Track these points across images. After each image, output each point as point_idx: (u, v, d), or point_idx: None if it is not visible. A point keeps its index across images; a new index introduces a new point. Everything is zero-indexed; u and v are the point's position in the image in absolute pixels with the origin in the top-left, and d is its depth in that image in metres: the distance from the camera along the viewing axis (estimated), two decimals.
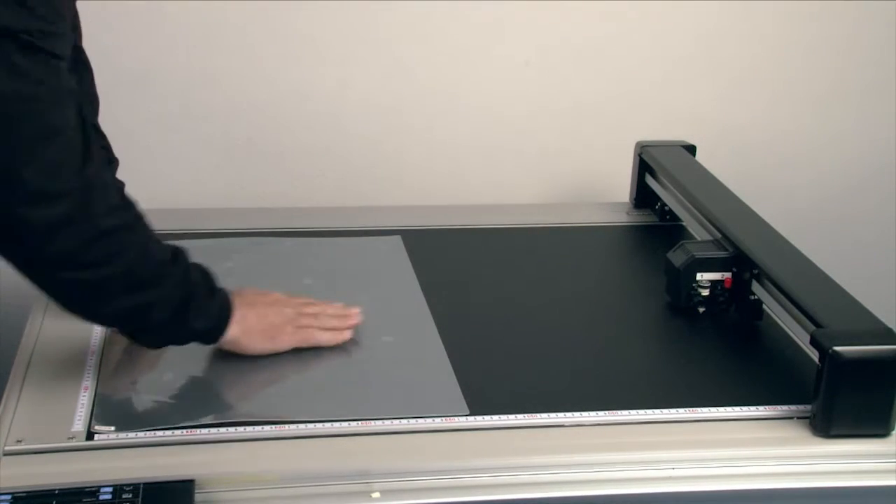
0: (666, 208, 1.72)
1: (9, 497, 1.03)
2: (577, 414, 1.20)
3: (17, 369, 1.25)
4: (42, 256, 1.08)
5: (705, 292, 1.42)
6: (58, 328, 1.32)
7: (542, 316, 1.44)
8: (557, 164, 1.99)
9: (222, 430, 1.14)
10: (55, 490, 1.04)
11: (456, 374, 1.26)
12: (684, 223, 1.68)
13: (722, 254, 1.42)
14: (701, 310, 1.42)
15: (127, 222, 1.13)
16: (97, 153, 1.10)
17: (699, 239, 1.55)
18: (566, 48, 1.92)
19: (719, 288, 1.42)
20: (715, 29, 1.96)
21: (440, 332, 1.36)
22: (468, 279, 1.54)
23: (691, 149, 1.76)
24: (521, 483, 1.12)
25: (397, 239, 1.62)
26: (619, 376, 1.30)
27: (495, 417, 1.18)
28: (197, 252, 1.53)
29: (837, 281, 1.32)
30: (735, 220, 1.49)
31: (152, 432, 1.13)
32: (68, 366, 1.25)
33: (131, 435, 1.13)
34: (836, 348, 1.14)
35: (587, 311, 1.47)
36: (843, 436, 1.17)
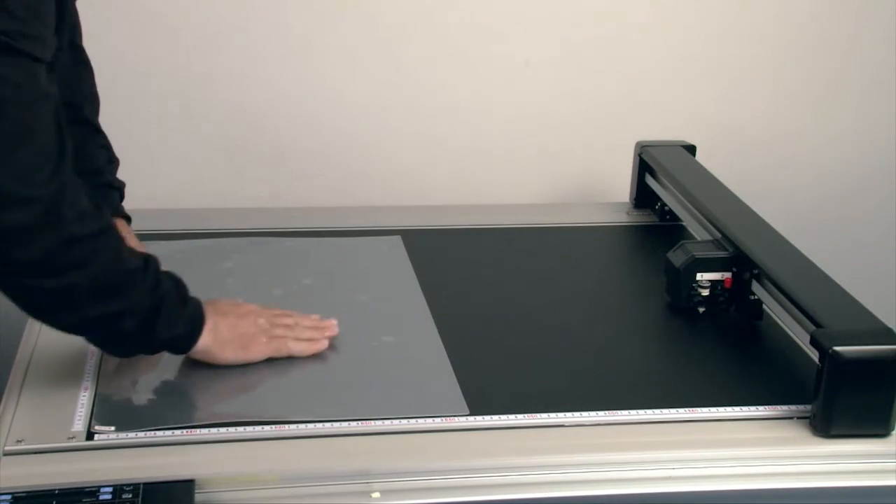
0: (666, 208, 1.72)
1: (9, 497, 1.03)
2: (577, 414, 1.20)
3: (18, 369, 1.25)
4: (8, 262, 1.05)
5: (705, 292, 1.42)
6: None
7: (542, 316, 1.44)
8: (557, 164, 1.99)
9: (222, 430, 1.14)
10: (55, 490, 1.04)
11: (456, 374, 1.26)
12: (684, 223, 1.68)
13: (722, 254, 1.42)
14: (701, 310, 1.42)
15: (96, 230, 1.10)
16: (70, 160, 1.08)
17: (699, 239, 1.55)
18: (566, 48, 1.92)
19: (719, 288, 1.42)
20: (715, 29, 1.96)
21: (440, 332, 1.36)
22: (468, 279, 1.54)
23: (691, 149, 1.76)
24: (522, 483, 1.12)
25: (397, 239, 1.62)
26: (619, 376, 1.30)
27: (495, 417, 1.18)
28: (197, 252, 1.55)
29: (837, 281, 1.32)
30: (735, 220, 1.49)
31: (152, 432, 1.13)
32: (68, 366, 1.25)
33: (131, 435, 1.13)
34: (836, 348, 1.14)
35: (587, 311, 1.47)
36: (843, 436, 1.17)
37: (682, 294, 1.42)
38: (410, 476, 1.11)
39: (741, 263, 1.40)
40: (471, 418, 1.18)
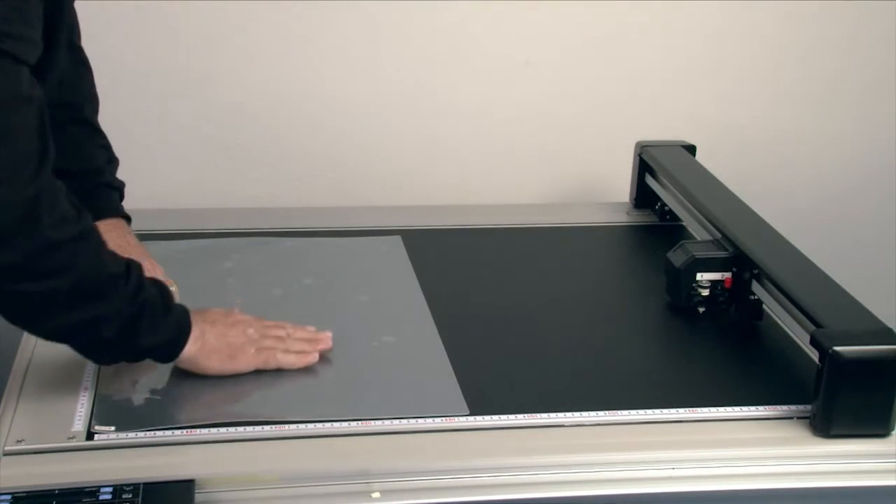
0: (666, 208, 1.72)
1: (9, 497, 1.03)
2: (577, 414, 1.20)
3: (18, 369, 1.24)
4: None
5: (705, 292, 1.42)
6: None
7: (542, 316, 1.44)
8: (557, 164, 1.99)
9: (222, 430, 1.14)
10: (55, 490, 1.04)
11: (456, 374, 1.26)
12: (684, 223, 1.68)
13: (722, 254, 1.42)
14: (701, 310, 1.42)
15: (76, 234, 1.08)
16: (51, 164, 1.06)
17: (699, 239, 1.55)
18: (566, 48, 1.92)
19: (719, 288, 1.42)
20: (715, 29, 1.96)
21: (440, 332, 1.36)
22: (468, 279, 1.54)
23: (691, 149, 1.76)
24: (521, 483, 1.12)
25: (397, 239, 1.62)
26: (619, 376, 1.30)
27: (495, 417, 1.18)
28: (197, 252, 1.55)
29: (837, 281, 1.32)
30: (735, 220, 1.49)
31: (152, 432, 1.13)
32: (68, 366, 1.25)
33: (131, 435, 1.13)
34: (836, 348, 1.14)
35: (587, 311, 1.47)
36: (843, 436, 1.17)
37: (682, 294, 1.42)
38: (410, 476, 1.11)
39: (741, 263, 1.40)
40: (471, 418, 1.18)
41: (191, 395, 1.21)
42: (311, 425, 1.16)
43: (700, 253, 1.42)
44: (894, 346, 1.15)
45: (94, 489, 1.04)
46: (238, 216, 1.69)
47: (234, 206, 1.84)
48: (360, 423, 1.16)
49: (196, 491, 1.06)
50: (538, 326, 1.41)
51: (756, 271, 1.37)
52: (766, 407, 1.22)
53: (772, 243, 1.43)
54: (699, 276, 1.41)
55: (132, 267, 1.14)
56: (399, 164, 1.94)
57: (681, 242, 1.46)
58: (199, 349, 1.20)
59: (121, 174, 1.45)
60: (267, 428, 1.15)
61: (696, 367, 1.34)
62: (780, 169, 2.05)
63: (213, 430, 1.14)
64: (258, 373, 1.25)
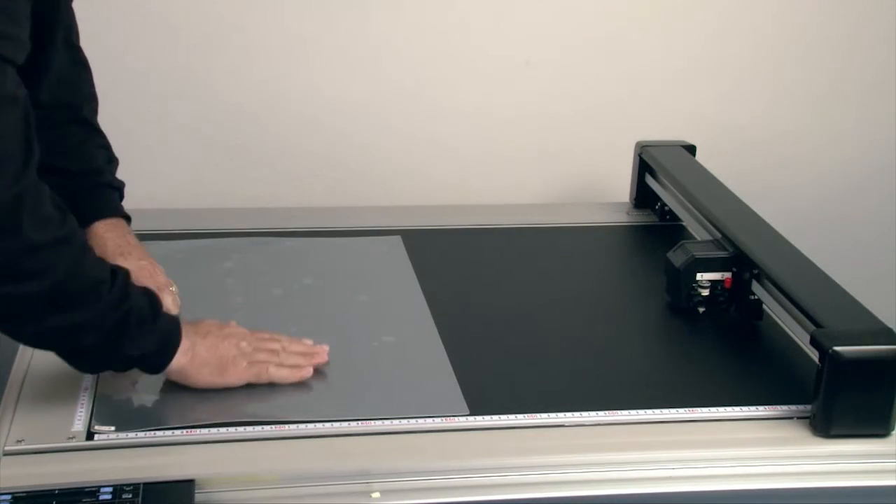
0: (666, 208, 1.72)
1: (9, 497, 1.03)
2: (577, 414, 1.20)
3: (18, 369, 1.24)
4: None
5: (705, 292, 1.42)
6: None
7: (542, 316, 1.44)
8: (557, 164, 1.99)
9: (222, 430, 1.14)
10: (55, 490, 1.04)
11: (456, 374, 1.26)
12: (684, 223, 1.68)
13: (722, 254, 1.42)
14: (701, 310, 1.42)
15: (59, 237, 1.06)
16: (35, 165, 1.04)
17: (699, 239, 1.55)
18: (566, 48, 1.92)
19: (719, 288, 1.42)
20: (715, 29, 1.96)
21: (440, 332, 1.36)
22: (468, 279, 1.54)
23: (691, 149, 1.76)
24: (521, 483, 1.12)
25: (397, 239, 1.62)
26: (619, 376, 1.30)
27: (495, 417, 1.18)
28: (197, 252, 1.55)
29: (837, 281, 1.32)
30: (735, 220, 1.49)
31: (152, 432, 1.13)
32: (68, 366, 1.24)
33: (131, 435, 1.13)
34: (836, 348, 1.14)
35: (587, 311, 1.47)
36: (843, 436, 1.17)
37: (682, 294, 1.42)
38: (410, 476, 1.11)
39: (741, 263, 1.40)
40: (471, 418, 1.18)
41: (191, 395, 1.21)
42: (311, 425, 1.16)
43: (700, 253, 1.42)
44: (894, 346, 1.15)
45: (94, 489, 1.04)
46: (238, 216, 1.69)
47: (234, 206, 1.84)
48: (360, 423, 1.16)
49: (196, 491, 1.06)
50: (538, 326, 1.41)
51: (756, 271, 1.37)
52: (766, 407, 1.22)
53: (772, 243, 1.43)
54: (699, 276, 1.41)
55: (118, 274, 1.12)
56: (399, 164, 1.94)
57: (681, 242, 1.46)
58: (189, 361, 1.18)
59: (121, 174, 1.45)
60: (267, 428, 1.15)
61: (696, 367, 1.34)
62: (780, 169, 2.05)
63: (213, 430, 1.14)
64: None
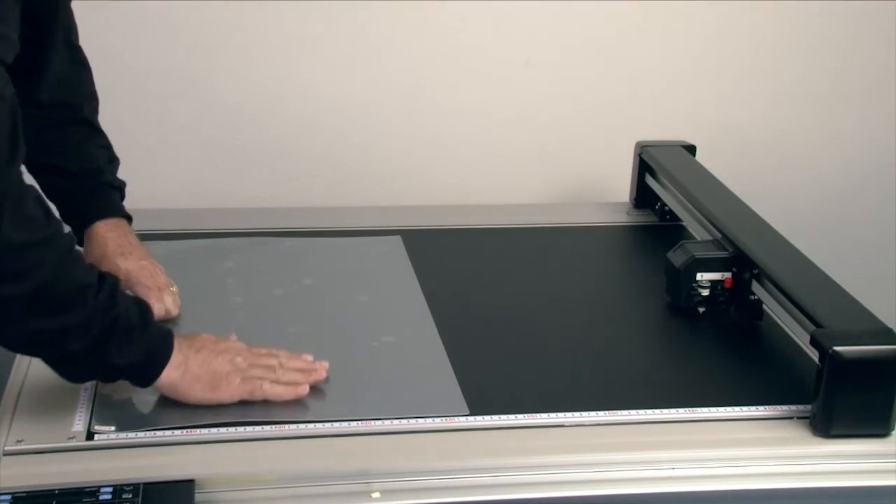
0: (666, 208, 1.72)
1: (9, 497, 1.03)
2: (577, 414, 1.20)
3: (18, 369, 1.24)
4: None
5: (705, 292, 1.42)
6: None
7: (542, 316, 1.44)
8: (557, 164, 1.99)
9: (222, 430, 1.14)
10: (55, 490, 1.04)
11: (456, 374, 1.26)
12: (684, 223, 1.68)
13: (722, 254, 1.42)
14: (701, 310, 1.42)
15: (43, 238, 1.03)
16: (20, 164, 1.03)
17: (699, 239, 1.55)
18: (566, 48, 1.92)
19: (719, 288, 1.42)
20: (715, 29, 1.96)
21: (440, 332, 1.36)
22: (468, 279, 1.54)
23: (691, 149, 1.76)
24: (521, 483, 1.12)
25: (397, 239, 1.62)
26: (619, 376, 1.30)
27: (495, 417, 1.18)
28: (197, 252, 1.55)
29: (837, 281, 1.32)
30: (735, 220, 1.49)
31: (152, 432, 1.13)
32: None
33: (131, 435, 1.13)
34: (836, 348, 1.14)
35: (587, 311, 1.47)
36: (843, 436, 1.17)
37: (682, 294, 1.42)
38: (410, 476, 1.11)
39: (741, 263, 1.40)
40: (471, 418, 1.18)
41: None
42: (310, 425, 1.16)
43: (700, 253, 1.42)
44: (894, 346, 1.15)
45: (94, 489, 1.04)
46: (238, 216, 1.70)
47: (233, 206, 1.84)
48: (360, 423, 1.16)
49: (196, 491, 1.06)
50: (538, 326, 1.41)
51: (756, 271, 1.37)
52: (766, 407, 1.22)
53: (772, 243, 1.43)
54: (699, 276, 1.41)
55: (106, 279, 1.09)
56: (399, 164, 1.94)
57: (681, 242, 1.46)
58: (181, 376, 1.15)
59: (121, 174, 1.45)
60: (267, 428, 1.15)
61: (696, 367, 1.34)
62: (780, 169, 2.05)
63: (213, 430, 1.14)
64: None
